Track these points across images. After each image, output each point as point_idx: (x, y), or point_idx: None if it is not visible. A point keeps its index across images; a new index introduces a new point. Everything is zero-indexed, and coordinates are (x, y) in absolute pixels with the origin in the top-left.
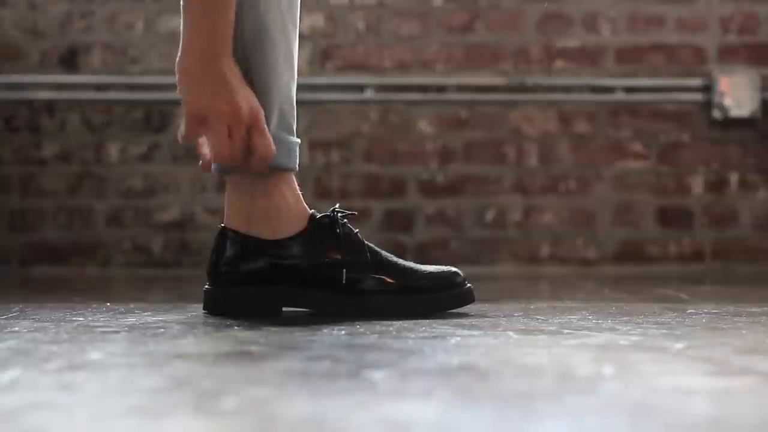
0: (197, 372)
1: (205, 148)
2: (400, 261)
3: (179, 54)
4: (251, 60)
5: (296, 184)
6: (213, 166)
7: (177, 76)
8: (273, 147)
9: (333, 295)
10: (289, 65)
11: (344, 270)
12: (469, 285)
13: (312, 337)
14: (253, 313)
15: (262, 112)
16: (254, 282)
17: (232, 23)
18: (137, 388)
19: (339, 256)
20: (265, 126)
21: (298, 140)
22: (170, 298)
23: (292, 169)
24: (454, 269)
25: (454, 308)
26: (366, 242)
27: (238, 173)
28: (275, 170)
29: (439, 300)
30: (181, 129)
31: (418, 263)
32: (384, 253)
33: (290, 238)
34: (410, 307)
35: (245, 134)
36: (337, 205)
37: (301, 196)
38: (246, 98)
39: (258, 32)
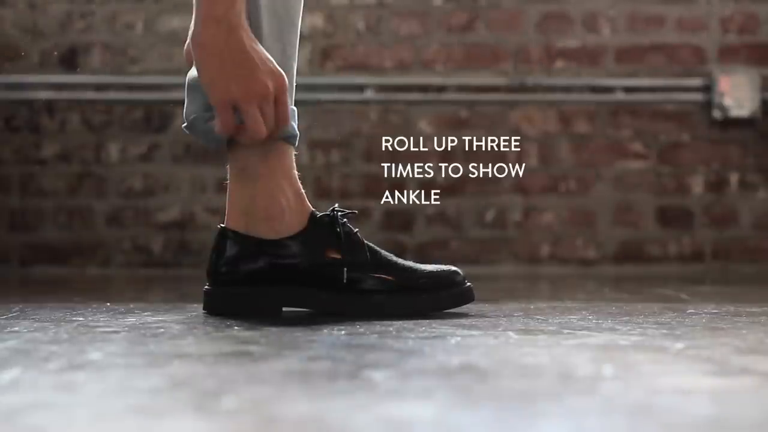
0: (197, 372)
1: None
2: (400, 260)
3: (193, 28)
4: None
5: (299, 182)
6: (218, 136)
7: (194, 51)
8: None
9: (333, 294)
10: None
11: (345, 269)
12: (468, 284)
13: (312, 337)
14: (253, 313)
15: (285, 79)
16: (254, 282)
17: None
18: (137, 388)
19: (339, 256)
20: (287, 95)
21: (295, 108)
22: (170, 298)
23: (293, 139)
24: (453, 268)
25: (454, 307)
26: (366, 242)
27: (243, 145)
28: (278, 141)
29: (438, 299)
30: (217, 125)
31: (418, 263)
32: (383, 252)
33: (290, 238)
34: (410, 306)
35: (273, 107)
36: (336, 205)
37: (303, 194)
38: (269, 70)
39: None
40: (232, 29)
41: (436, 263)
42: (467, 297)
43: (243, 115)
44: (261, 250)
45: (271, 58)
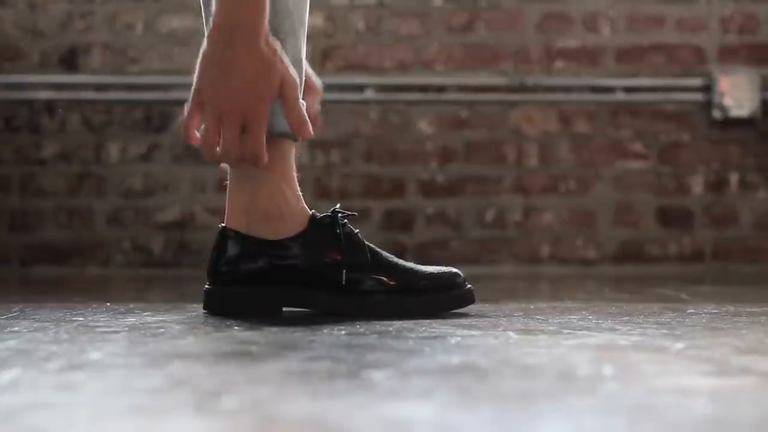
0: (197, 372)
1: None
2: (401, 262)
3: (211, 37)
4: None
5: (297, 184)
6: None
7: (203, 62)
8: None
9: (333, 295)
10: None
11: (344, 271)
12: (469, 286)
13: (312, 337)
14: (253, 313)
15: (296, 86)
16: (254, 282)
17: None
18: (137, 388)
19: (339, 257)
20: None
21: (304, 102)
22: (170, 298)
23: (293, 137)
24: (454, 270)
25: (454, 309)
26: (366, 243)
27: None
28: (283, 138)
29: (439, 301)
30: (203, 138)
31: (418, 263)
32: (384, 253)
33: (291, 239)
34: (410, 308)
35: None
36: (337, 206)
37: (301, 196)
38: (284, 76)
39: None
40: (258, 38)
41: (436, 264)
42: (467, 299)
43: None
44: (261, 251)
45: (287, 68)
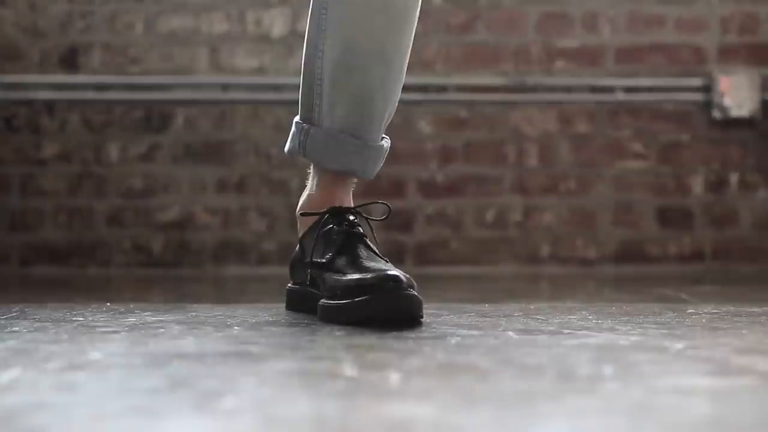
0: (197, 372)
1: None
2: (345, 274)
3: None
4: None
5: (350, 186)
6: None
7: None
8: None
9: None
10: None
11: (309, 270)
12: (410, 292)
13: (312, 337)
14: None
15: None
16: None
17: None
18: (137, 388)
19: (307, 257)
20: None
21: (387, 137)
22: (170, 298)
23: (344, 172)
24: (391, 273)
25: (375, 316)
26: (337, 243)
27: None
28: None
29: (351, 308)
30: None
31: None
32: (359, 252)
33: (302, 236)
34: (332, 315)
35: None
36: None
37: (349, 197)
38: None
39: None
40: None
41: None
42: (393, 307)
43: None
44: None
45: None
